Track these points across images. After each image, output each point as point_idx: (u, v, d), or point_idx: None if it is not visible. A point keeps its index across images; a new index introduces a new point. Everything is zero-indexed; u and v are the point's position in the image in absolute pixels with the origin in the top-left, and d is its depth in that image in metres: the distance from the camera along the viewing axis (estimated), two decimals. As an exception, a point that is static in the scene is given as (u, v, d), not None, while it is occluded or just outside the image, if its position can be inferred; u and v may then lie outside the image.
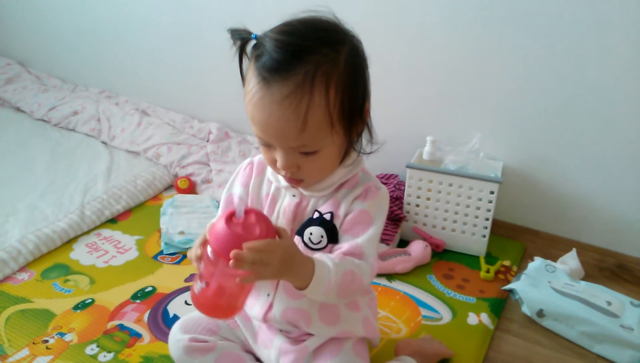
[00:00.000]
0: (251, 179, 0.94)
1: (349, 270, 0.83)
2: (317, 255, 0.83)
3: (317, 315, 0.93)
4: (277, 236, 0.79)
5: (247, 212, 0.78)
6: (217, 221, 0.79)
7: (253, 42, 0.79)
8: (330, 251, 0.88)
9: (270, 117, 0.77)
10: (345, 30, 0.82)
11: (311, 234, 0.87)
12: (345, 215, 0.87)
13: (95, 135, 2.01)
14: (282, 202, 0.91)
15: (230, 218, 0.77)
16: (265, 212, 0.91)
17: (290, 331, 0.96)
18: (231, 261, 0.72)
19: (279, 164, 0.82)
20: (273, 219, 0.90)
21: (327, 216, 0.87)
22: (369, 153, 0.89)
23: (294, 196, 0.90)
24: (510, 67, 1.46)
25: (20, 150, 1.90)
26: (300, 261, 0.79)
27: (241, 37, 0.80)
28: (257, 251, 0.73)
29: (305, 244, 0.88)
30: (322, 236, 0.87)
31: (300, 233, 0.88)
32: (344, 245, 0.86)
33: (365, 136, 0.88)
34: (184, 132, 1.98)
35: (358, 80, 0.82)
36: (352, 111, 0.81)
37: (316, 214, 0.88)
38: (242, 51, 0.80)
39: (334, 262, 0.82)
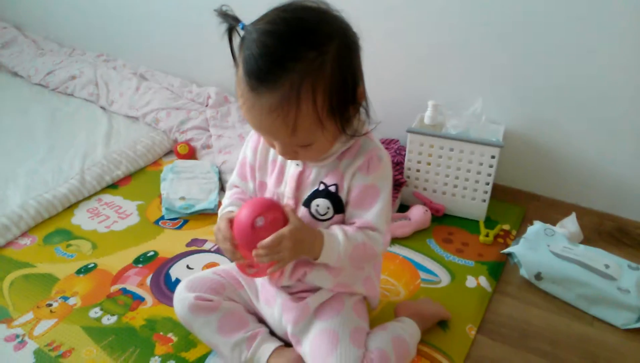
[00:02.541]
0: (259, 144, 0.96)
1: (361, 241, 0.88)
2: (332, 227, 0.90)
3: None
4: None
5: (266, 211, 0.86)
6: (239, 222, 0.87)
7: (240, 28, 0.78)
8: (339, 221, 0.91)
9: (262, 124, 0.79)
10: (333, 20, 0.79)
11: (318, 206, 0.90)
12: (349, 187, 0.89)
13: (94, 100, 2.00)
14: (288, 170, 0.92)
15: (251, 221, 0.86)
16: (273, 179, 0.94)
17: (291, 285, 0.98)
18: (255, 259, 0.84)
19: (277, 151, 0.85)
20: (281, 187, 0.93)
21: (332, 189, 0.89)
22: (364, 135, 0.89)
23: (297, 165, 0.91)
24: (513, 30, 1.44)
25: (19, 116, 1.89)
26: (310, 240, 0.86)
27: (229, 23, 0.79)
28: (267, 247, 0.83)
29: (312, 215, 0.91)
30: (328, 208, 0.90)
31: (307, 204, 0.91)
32: (356, 221, 0.90)
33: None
34: (183, 97, 1.97)
35: (347, 75, 0.80)
36: (341, 106, 0.80)
37: (322, 186, 0.90)
38: (230, 35, 0.80)
39: (346, 235, 0.88)
